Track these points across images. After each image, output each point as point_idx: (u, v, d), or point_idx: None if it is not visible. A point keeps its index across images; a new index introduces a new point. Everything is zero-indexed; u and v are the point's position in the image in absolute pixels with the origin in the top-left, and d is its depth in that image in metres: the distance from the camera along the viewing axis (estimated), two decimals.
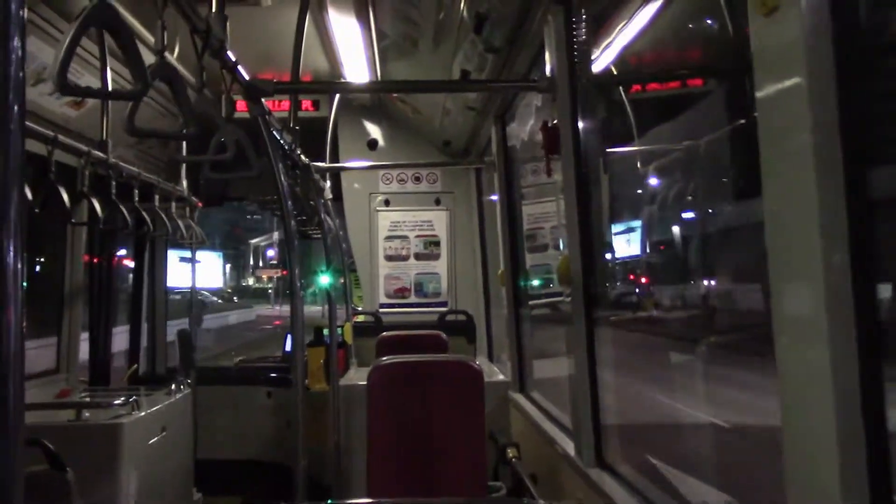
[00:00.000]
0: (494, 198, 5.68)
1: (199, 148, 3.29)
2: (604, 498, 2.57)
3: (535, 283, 5.15)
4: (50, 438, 3.06)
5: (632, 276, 8.95)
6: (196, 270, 6.07)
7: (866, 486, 1.08)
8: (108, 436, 3.66)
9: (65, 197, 3.38)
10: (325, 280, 4.81)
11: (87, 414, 3.95)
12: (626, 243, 7.18)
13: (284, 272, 40.09)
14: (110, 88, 3.11)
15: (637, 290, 9.18)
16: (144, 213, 4.32)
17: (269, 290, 41.82)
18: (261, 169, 3.24)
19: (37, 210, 3.29)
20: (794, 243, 1.17)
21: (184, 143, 4.34)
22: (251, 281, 47.66)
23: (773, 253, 1.23)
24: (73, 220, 4.12)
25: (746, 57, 1.28)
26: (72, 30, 1.79)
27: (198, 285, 6.58)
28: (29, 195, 3.00)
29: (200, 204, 5.73)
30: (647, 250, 7.64)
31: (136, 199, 4.22)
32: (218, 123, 2.90)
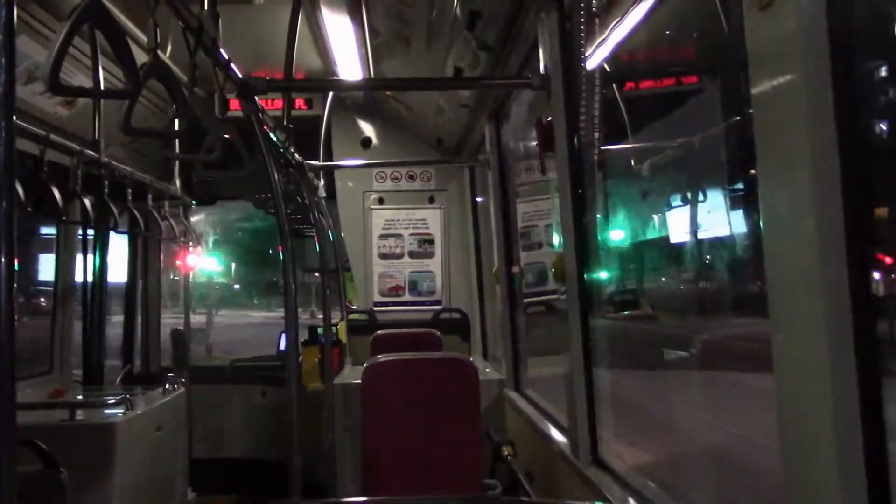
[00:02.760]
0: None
1: (192, 147, 3.28)
2: (599, 495, 2.56)
3: (531, 279, 5.13)
4: (43, 438, 3.04)
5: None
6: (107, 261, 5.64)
7: (864, 484, 1.08)
8: (101, 435, 3.65)
9: (57, 196, 3.36)
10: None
11: (80, 414, 3.93)
12: None
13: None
14: (102, 87, 3.10)
15: None
16: (136, 213, 4.30)
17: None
18: (253, 168, 3.23)
19: (30, 209, 3.27)
20: (792, 240, 1.16)
21: (176, 142, 4.33)
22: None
23: (770, 249, 1.22)
24: (65, 219, 4.10)
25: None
26: (64, 29, 1.78)
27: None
28: (21, 194, 2.99)
29: (194, 203, 5.71)
30: None
31: (130, 198, 4.20)
32: (210, 122, 2.89)
